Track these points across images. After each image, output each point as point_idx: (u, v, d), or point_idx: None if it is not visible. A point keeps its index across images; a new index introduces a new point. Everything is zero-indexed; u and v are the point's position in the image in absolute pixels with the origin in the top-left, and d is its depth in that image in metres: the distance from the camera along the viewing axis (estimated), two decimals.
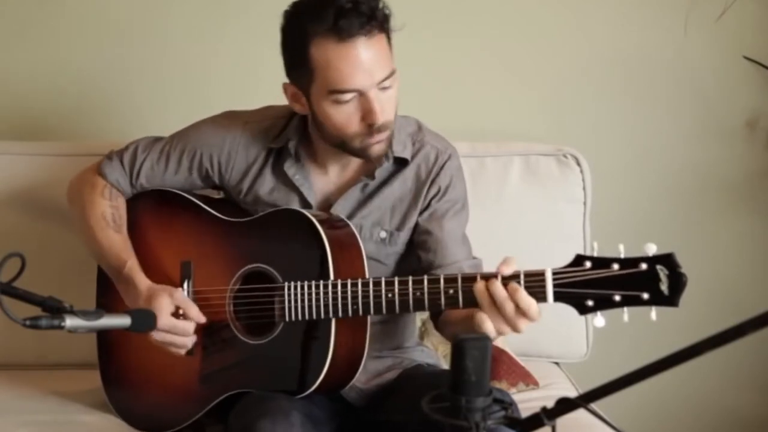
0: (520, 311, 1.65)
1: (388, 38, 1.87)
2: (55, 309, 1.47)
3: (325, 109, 1.86)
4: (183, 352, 1.95)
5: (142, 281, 1.97)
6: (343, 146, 1.92)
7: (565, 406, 1.17)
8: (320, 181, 2.03)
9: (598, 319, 1.59)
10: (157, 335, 1.91)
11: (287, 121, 2.04)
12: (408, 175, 2.02)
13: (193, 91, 2.72)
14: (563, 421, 1.19)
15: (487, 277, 1.68)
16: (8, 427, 2.07)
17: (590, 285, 1.59)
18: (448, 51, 2.74)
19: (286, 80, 1.93)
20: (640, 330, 2.80)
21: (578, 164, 2.53)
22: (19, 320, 1.41)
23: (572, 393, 2.20)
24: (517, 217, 2.50)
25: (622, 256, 1.57)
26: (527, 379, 2.37)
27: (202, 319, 1.94)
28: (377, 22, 1.81)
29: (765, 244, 2.86)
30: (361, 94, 1.83)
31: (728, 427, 2.91)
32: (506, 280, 1.66)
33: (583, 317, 2.48)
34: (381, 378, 2.04)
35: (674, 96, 2.79)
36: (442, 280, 1.74)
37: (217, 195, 2.18)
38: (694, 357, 1.09)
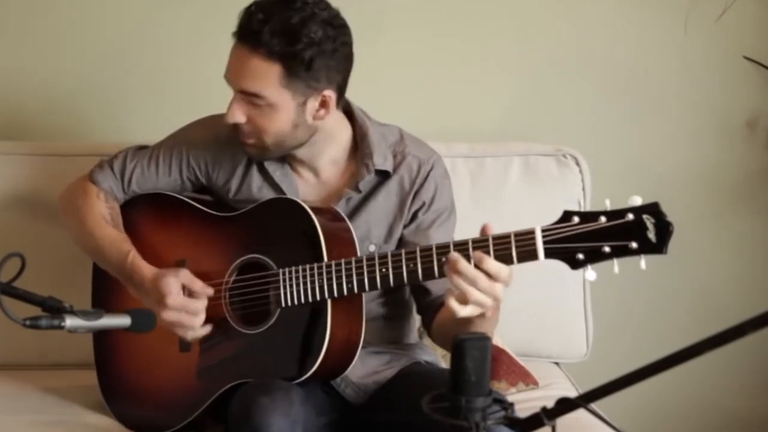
0: (492, 278, 1.67)
1: (286, 69, 1.85)
2: (55, 309, 1.47)
3: None
4: (190, 336, 1.94)
5: (146, 267, 1.97)
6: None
7: (565, 406, 1.18)
8: (303, 186, 2.05)
9: (590, 273, 1.61)
10: (168, 315, 1.90)
11: None
12: (392, 187, 2.02)
13: (192, 93, 2.72)
14: (563, 421, 1.19)
15: (460, 244, 1.72)
16: (9, 427, 2.07)
17: (579, 239, 1.61)
18: (448, 51, 2.74)
19: None
20: (640, 330, 2.83)
21: (578, 164, 2.52)
22: (19, 320, 1.41)
23: (572, 393, 2.20)
24: (517, 217, 2.47)
25: (609, 209, 1.60)
26: (527, 379, 2.37)
27: (210, 291, 1.94)
28: (258, 41, 1.84)
29: (765, 244, 2.86)
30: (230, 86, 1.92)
31: (728, 427, 2.91)
32: (475, 246, 1.69)
33: (581, 314, 2.52)
34: (378, 375, 2.04)
35: (674, 96, 2.79)
36: (434, 249, 1.76)
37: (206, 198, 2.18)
38: (694, 357, 1.09)
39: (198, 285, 1.93)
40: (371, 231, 2.01)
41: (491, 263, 1.67)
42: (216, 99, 2.40)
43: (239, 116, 1.92)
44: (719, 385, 2.89)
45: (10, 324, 1.41)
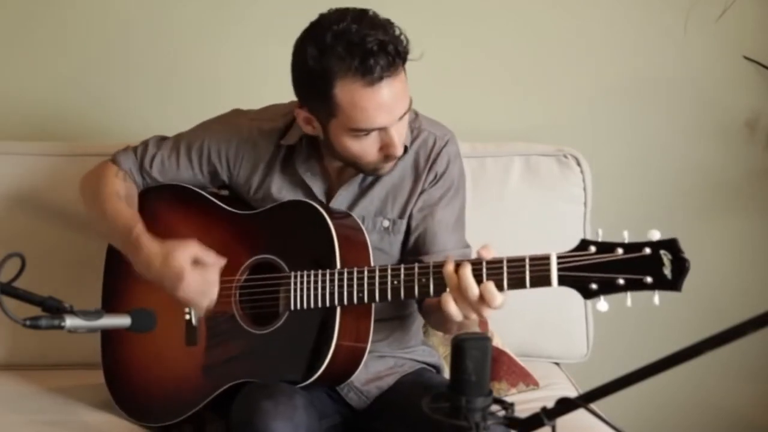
0: (484, 301, 1.67)
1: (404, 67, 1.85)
2: (55, 309, 1.48)
3: (344, 142, 1.88)
4: (206, 304, 1.91)
5: (152, 244, 1.95)
6: (353, 166, 1.95)
7: (565, 406, 1.18)
8: (325, 180, 2.05)
9: (602, 304, 1.60)
10: (185, 291, 1.89)
11: (293, 118, 2.04)
12: (407, 162, 2.02)
13: (199, 93, 2.72)
14: (563, 421, 1.20)
15: (476, 263, 1.70)
16: (11, 427, 2.07)
17: (594, 269, 1.60)
18: (449, 51, 2.74)
19: (296, 99, 1.93)
20: (640, 331, 2.83)
21: (578, 164, 2.53)
22: (19, 320, 1.41)
23: (572, 393, 2.20)
24: (518, 217, 2.50)
25: (627, 241, 1.59)
26: (527, 380, 2.37)
27: (222, 261, 1.93)
28: (401, 59, 1.82)
29: (765, 244, 2.86)
30: (382, 129, 1.85)
31: (728, 427, 2.92)
32: (489, 267, 1.68)
33: (582, 314, 2.52)
34: (381, 381, 2.05)
35: (674, 96, 2.79)
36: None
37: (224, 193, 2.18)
38: (694, 357, 1.09)
39: (211, 258, 1.92)
40: (386, 206, 2.02)
41: (489, 287, 1.67)
42: (223, 100, 2.41)
43: (406, 133, 1.92)
44: (719, 385, 2.89)
45: (10, 324, 1.41)
